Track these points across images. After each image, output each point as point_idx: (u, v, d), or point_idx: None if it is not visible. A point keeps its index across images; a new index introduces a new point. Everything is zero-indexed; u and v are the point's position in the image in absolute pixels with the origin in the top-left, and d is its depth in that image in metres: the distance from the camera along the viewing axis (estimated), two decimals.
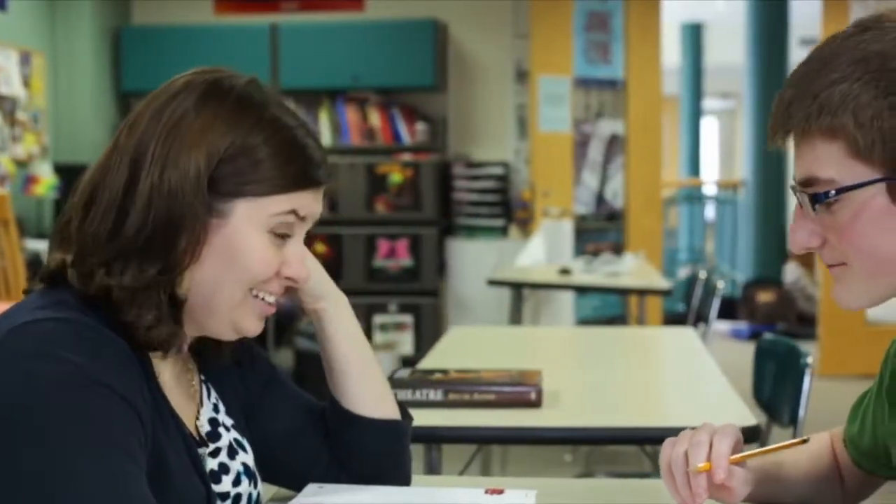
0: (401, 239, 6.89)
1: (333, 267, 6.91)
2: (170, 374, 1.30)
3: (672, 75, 12.54)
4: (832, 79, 1.10)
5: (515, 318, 5.37)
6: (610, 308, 7.13)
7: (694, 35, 13.59)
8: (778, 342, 2.79)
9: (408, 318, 6.89)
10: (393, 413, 1.48)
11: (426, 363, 2.59)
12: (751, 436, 1.94)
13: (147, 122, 1.23)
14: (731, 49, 11.77)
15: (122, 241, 1.19)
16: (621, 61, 7.31)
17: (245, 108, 1.25)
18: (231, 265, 1.23)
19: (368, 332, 6.89)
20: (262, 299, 1.28)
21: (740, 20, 10.50)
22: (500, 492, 1.42)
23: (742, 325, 9.05)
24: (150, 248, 1.19)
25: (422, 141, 6.99)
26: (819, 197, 1.12)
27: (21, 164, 6.39)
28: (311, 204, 1.28)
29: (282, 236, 1.26)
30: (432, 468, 2.08)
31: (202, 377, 1.37)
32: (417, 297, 6.92)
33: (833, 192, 1.11)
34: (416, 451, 2.17)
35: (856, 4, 7.09)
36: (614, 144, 7.38)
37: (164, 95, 1.25)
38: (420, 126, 7.00)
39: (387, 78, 6.91)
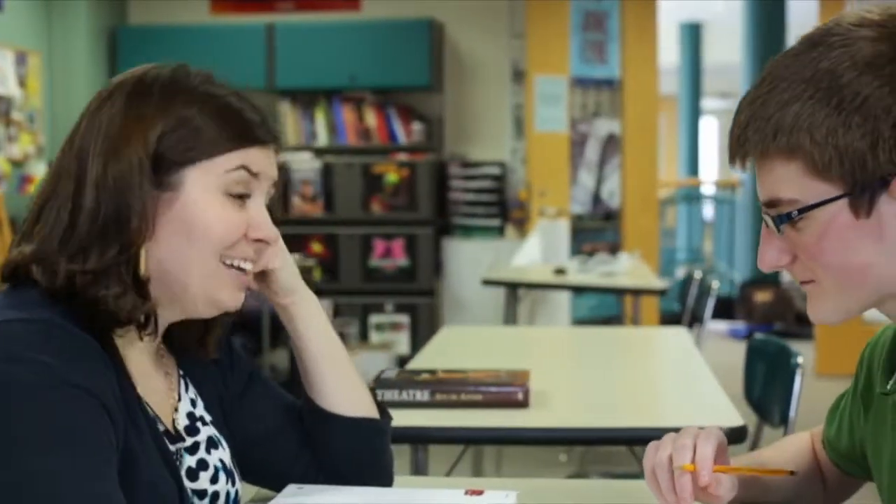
0: (397, 239, 6.89)
1: (329, 267, 6.91)
2: (144, 368, 1.29)
3: (671, 75, 12.55)
4: (784, 99, 1.10)
5: (510, 318, 5.36)
6: (607, 308, 7.12)
7: (692, 35, 13.59)
8: (769, 342, 2.78)
9: (404, 318, 6.89)
10: (369, 411, 1.48)
11: (416, 363, 2.59)
12: (737, 437, 1.93)
13: (86, 126, 1.26)
14: (729, 49, 11.76)
15: (79, 235, 1.21)
16: (618, 61, 7.31)
17: (173, 91, 1.27)
18: (192, 233, 1.24)
19: (364, 332, 6.89)
20: (237, 267, 1.28)
21: (738, 20, 10.51)
22: (480, 493, 1.41)
23: (739, 325, 9.04)
24: (106, 234, 1.21)
25: (418, 141, 6.99)
26: (783, 217, 1.12)
27: (17, 164, 6.39)
28: (261, 160, 1.29)
29: (240, 196, 1.27)
30: (419, 469, 2.08)
31: (181, 372, 1.37)
32: (413, 297, 6.91)
33: (796, 212, 1.11)
34: (403, 452, 2.17)
35: (851, 4, 7.09)
36: (611, 144, 7.38)
37: (100, 98, 1.28)
38: (416, 126, 6.99)
39: (383, 78, 6.91)
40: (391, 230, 6.89)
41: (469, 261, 6.81)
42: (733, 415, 2.03)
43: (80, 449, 1.08)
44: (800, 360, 2.47)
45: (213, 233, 1.24)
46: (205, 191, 1.24)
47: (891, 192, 1.08)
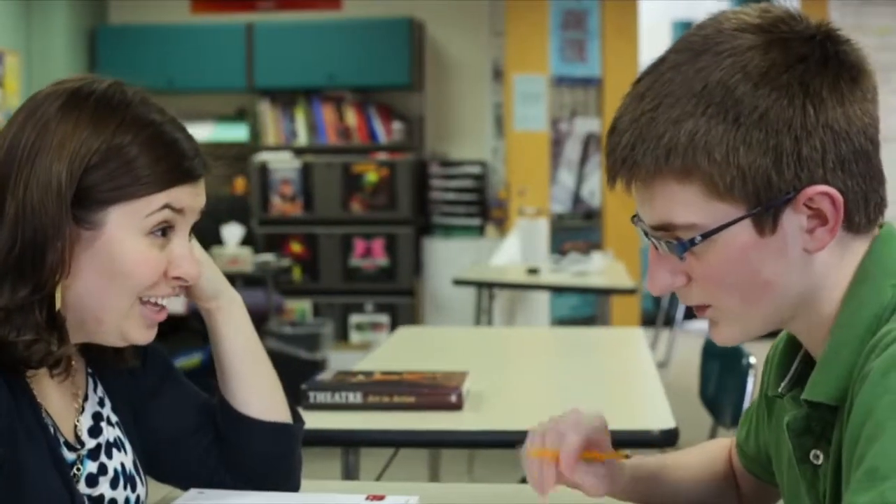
0: (377, 238, 6.87)
1: (309, 267, 6.90)
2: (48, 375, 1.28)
3: None
4: (675, 116, 1.02)
5: (482, 318, 5.34)
6: (588, 307, 7.10)
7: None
8: None
9: (384, 318, 6.87)
10: (282, 416, 1.46)
11: (364, 364, 2.57)
12: (669, 440, 1.91)
13: (10, 141, 1.22)
14: None
15: None
16: (598, 60, 7.29)
17: (107, 112, 1.23)
18: (113, 274, 1.22)
19: (344, 332, 6.87)
20: (154, 303, 1.27)
21: None
22: (381, 498, 1.39)
23: None
24: (21, 266, 1.18)
25: (398, 140, 6.97)
26: (684, 245, 1.05)
27: None
28: (188, 197, 1.26)
29: (163, 235, 1.25)
30: (349, 473, 2.06)
31: (89, 370, 1.36)
32: (393, 297, 6.90)
33: (699, 237, 1.04)
34: (335, 455, 2.16)
35: (833, 3, 7.07)
36: (591, 143, 7.36)
37: (26, 111, 1.24)
38: (396, 125, 6.97)
39: (363, 77, 6.89)
40: (371, 230, 6.88)
41: (449, 260, 6.79)
42: (667, 417, 2.01)
43: None
44: (752, 360, 2.45)
45: (134, 275, 1.23)
46: (128, 231, 1.22)
47: (795, 206, 1.03)
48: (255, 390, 1.44)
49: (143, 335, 1.28)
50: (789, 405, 1.16)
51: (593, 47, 7.26)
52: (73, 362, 1.31)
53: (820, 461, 1.11)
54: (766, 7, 1.08)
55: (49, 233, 1.18)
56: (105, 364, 1.37)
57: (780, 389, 1.20)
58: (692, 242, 1.05)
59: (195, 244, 1.36)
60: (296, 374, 2.80)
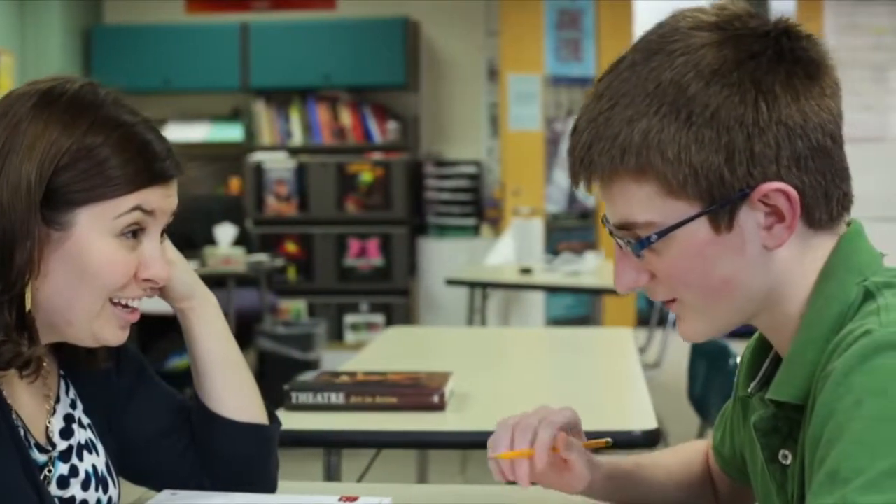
0: (372, 238, 6.87)
1: (304, 267, 6.89)
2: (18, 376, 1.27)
3: None
4: (629, 115, 1.03)
5: (475, 318, 5.34)
6: (582, 307, 7.09)
7: None
8: (709, 341, 2.76)
9: (379, 318, 6.87)
10: (258, 417, 1.46)
11: (352, 365, 2.57)
12: (649, 440, 1.91)
13: None
14: None
15: None
16: (593, 59, 7.27)
17: (79, 112, 1.23)
18: (82, 276, 1.22)
19: (339, 332, 6.87)
20: (125, 305, 1.26)
21: None
22: (355, 499, 1.39)
23: None
24: None
25: (393, 140, 6.97)
26: (643, 242, 1.06)
27: None
28: (159, 199, 1.26)
29: (133, 236, 1.25)
30: (331, 474, 2.05)
31: (62, 372, 1.35)
32: (388, 297, 6.90)
33: (655, 235, 1.05)
34: (318, 456, 2.15)
35: (828, 3, 7.06)
36: None
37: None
38: (391, 125, 6.97)
39: (358, 77, 6.89)
40: (366, 230, 6.87)
41: (444, 260, 6.78)
42: (650, 418, 2.00)
43: None
44: (739, 360, 2.44)
45: (103, 277, 1.23)
46: (97, 233, 1.22)
47: (751, 203, 1.04)
48: (230, 391, 1.44)
49: (116, 336, 1.28)
50: (758, 405, 1.16)
51: (588, 47, 7.25)
52: (45, 364, 1.31)
53: (789, 461, 1.11)
54: (724, 5, 1.08)
55: (18, 233, 1.18)
56: (78, 366, 1.36)
57: (749, 389, 1.20)
58: (649, 241, 1.06)
59: (168, 244, 1.36)
60: (288, 375, 2.80)
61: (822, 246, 1.08)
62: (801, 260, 1.08)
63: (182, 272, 1.40)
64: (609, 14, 7.24)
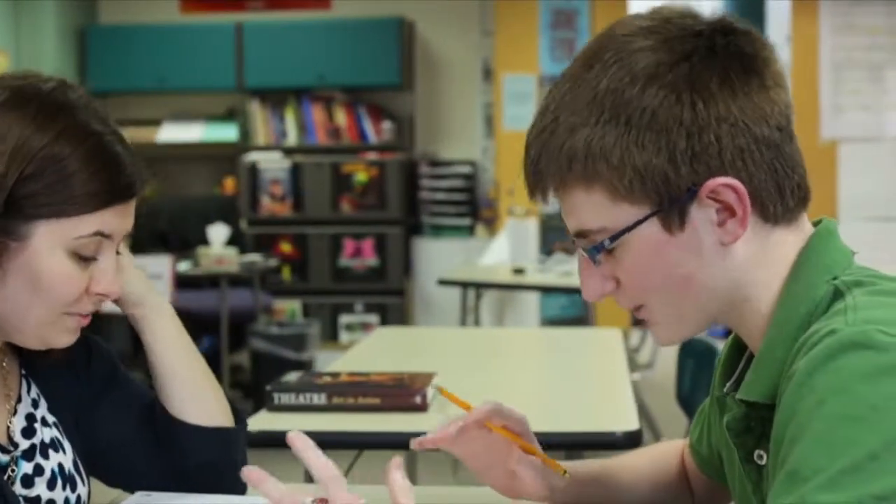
0: (367, 238, 6.86)
1: (299, 267, 6.89)
2: None
3: None
4: (570, 126, 1.05)
5: (468, 318, 5.33)
6: (577, 308, 7.08)
7: None
8: (696, 340, 2.77)
9: (374, 318, 6.86)
10: (221, 420, 1.45)
11: (339, 365, 2.56)
12: (630, 442, 1.90)
13: None
14: None
15: None
16: None
17: (51, 115, 1.21)
18: (35, 289, 1.21)
19: (334, 332, 6.86)
20: (77, 314, 1.26)
21: None
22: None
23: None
24: None
25: (388, 140, 6.96)
26: (597, 248, 1.08)
27: None
28: (119, 221, 1.25)
29: (88, 257, 1.24)
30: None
31: (23, 372, 1.34)
32: (383, 297, 6.89)
33: (608, 240, 1.07)
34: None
35: (823, 3, 7.06)
36: None
37: None
38: (386, 125, 6.96)
39: (353, 76, 6.88)
40: (361, 230, 6.87)
41: (439, 260, 6.78)
42: (632, 419, 1.99)
43: None
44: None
45: (56, 293, 1.22)
46: (53, 248, 1.20)
47: (700, 200, 1.04)
48: (188, 397, 1.43)
49: (65, 340, 1.28)
50: (732, 405, 1.15)
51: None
52: (4, 364, 1.31)
53: (764, 461, 1.10)
54: (659, 8, 1.10)
55: None
56: (39, 363, 1.36)
57: (725, 389, 1.20)
58: (602, 246, 1.07)
59: (124, 251, 1.34)
60: (280, 375, 2.78)
61: (784, 242, 1.08)
62: (763, 256, 1.08)
63: (132, 279, 1.39)
64: (604, 14, 7.23)
